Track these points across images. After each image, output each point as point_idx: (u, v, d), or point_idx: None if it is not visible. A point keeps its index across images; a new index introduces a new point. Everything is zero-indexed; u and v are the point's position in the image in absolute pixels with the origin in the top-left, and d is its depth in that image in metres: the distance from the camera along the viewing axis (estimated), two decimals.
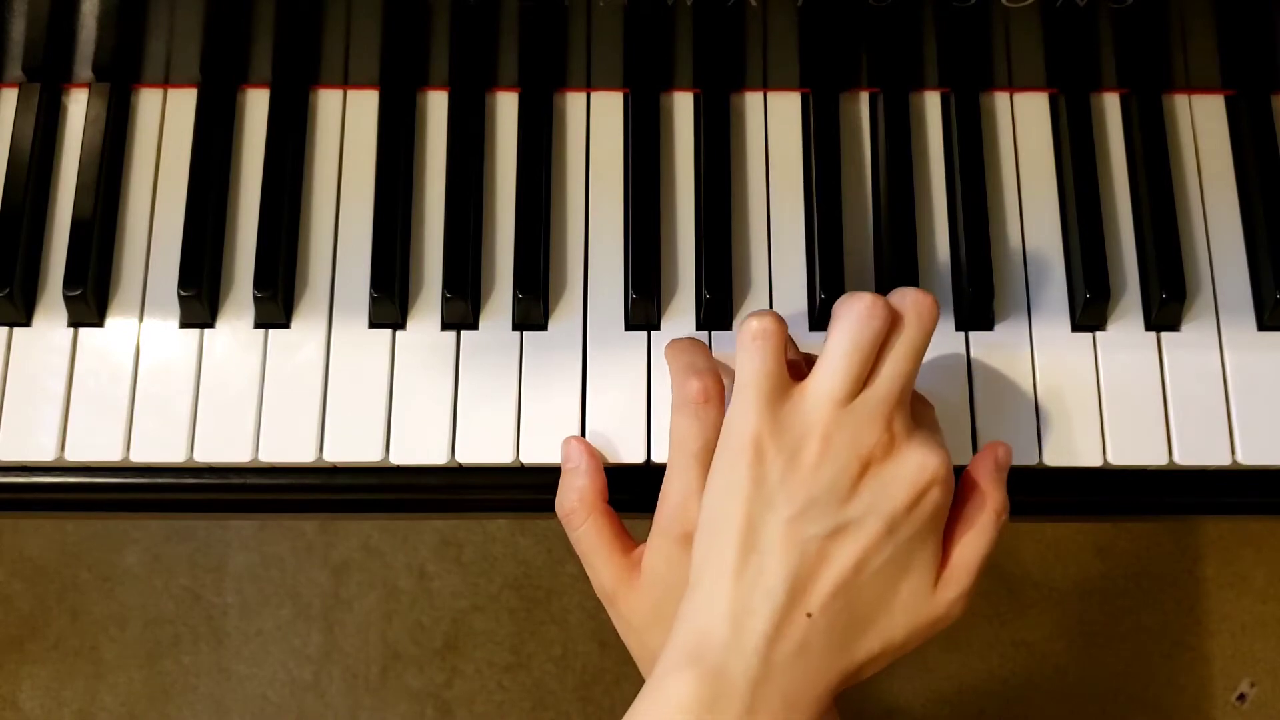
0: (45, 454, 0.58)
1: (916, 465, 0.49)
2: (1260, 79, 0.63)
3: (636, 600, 0.55)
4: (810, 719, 0.47)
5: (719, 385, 0.54)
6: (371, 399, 0.58)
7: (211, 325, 0.60)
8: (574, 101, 0.64)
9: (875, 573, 0.49)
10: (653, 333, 0.60)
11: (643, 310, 0.59)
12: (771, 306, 0.60)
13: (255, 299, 0.59)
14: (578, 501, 0.56)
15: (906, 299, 0.51)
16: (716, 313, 0.59)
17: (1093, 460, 0.58)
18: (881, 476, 0.49)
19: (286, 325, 0.60)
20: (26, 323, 0.60)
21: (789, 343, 0.53)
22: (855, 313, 0.50)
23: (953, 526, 0.52)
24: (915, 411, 0.53)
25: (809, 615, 0.48)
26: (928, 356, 0.60)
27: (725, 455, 0.50)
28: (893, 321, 0.51)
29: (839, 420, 0.49)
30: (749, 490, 0.49)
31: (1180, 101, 0.64)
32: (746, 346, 0.51)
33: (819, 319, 0.60)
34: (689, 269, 0.61)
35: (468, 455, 0.58)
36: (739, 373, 0.51)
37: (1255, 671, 1.29)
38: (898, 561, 0.49)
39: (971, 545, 0.52)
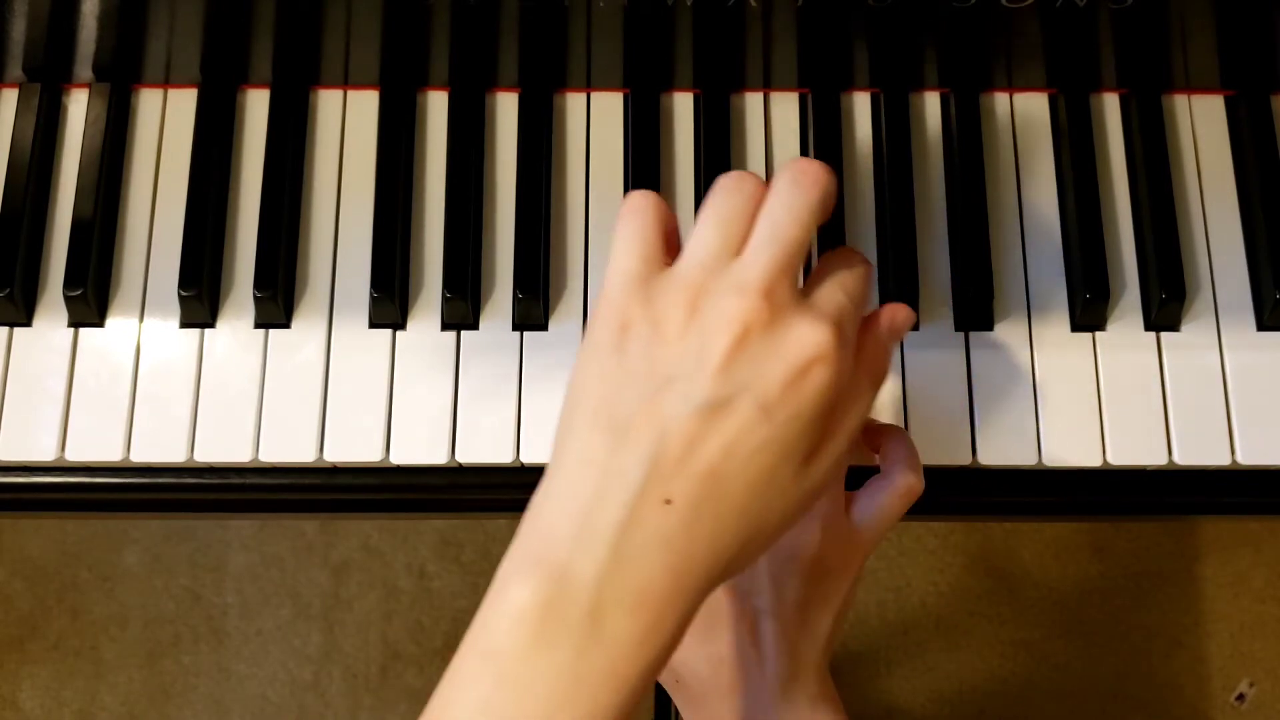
0: (46, 454, 0.58)
1: (796, 340, 0.43)
2: (1260, 79, 0.63)
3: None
4: (674, 617, 0.42)
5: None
6: (371, 399, 0.58)
7: (212, 325, 0.60)
8: (574, 101, 0.64)
9: (747, 459, 0.42)
10: None
11: None
12: None
13: (255, 299, 0.59)
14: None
15: (790, 164, 0.46)
16: None
17: (1093, 460, 0.58)
18: (756, 351, 0.43)
19: (287, 325, 0.60)
20: (27, 323, 0.60)
21: (675, 230, 0.49)
22: (721, 183, 0.46)
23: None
24: (866, 351, 0.48)
25: (668, 502, 0.41)
26: (928, 357, 0.60)
27: (591, 332, 0.45)
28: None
29: (706, 286, 0.44)
30: (609, 365, 0.44)
31: (1180, 102, 0.64)
32: (619, 220, 0.47)
33: None
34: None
35: (468, 455, 0.58)
36: (613, 242, 0.47)
37: (1254, 672, 1.29)
38: (773, 447, 0.43)
39: (849, 411, 0.46)
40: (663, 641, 0.41)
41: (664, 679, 0.55)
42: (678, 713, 0.55)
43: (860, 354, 0.47)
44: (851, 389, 0.46)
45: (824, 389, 0.43)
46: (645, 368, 0.43)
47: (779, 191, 0.46)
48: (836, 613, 0.54)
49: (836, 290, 0.46)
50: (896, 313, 0.49)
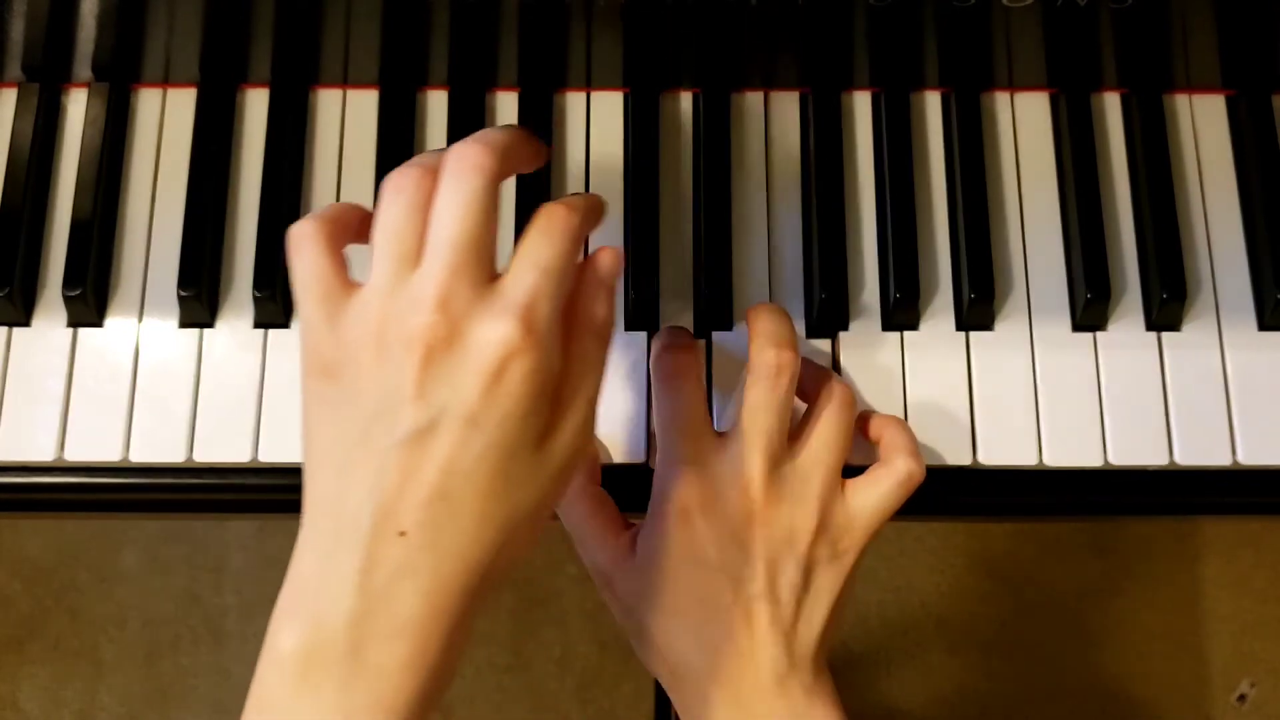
0: (45, 454, 0.58)
1: (480, 346, 0.42)
2: (1260, 79, 0.63)
3: (632, 581, 0.54)
4: (438, 639, 0.42)
5: (694, 359, 0.54)
6: None
7: (211, 325, 0.60)
8: (574, 101, 0.63)
9: (469, 472, 0.42)
10: (653, 333, 0.60)
11: (643, 310, 0.59)
12: None
13: (255, 299, 0.59)
14: (574, 485, 0.56)
15: (448, 153, 0.45)
16: (716, 312, 0.59)
17: (1093, 460, 0.58)
18: (444, 366, 0.42)
19: (287, 325, 0.60)
20: (26, 323, 0.60)
21: (355, 225, 0.48)
22: (383, 191, 0.45)
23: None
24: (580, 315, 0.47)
25: (402, 534, 0.42)
26: (928, 357, 0.60)
27: (301, 383, 0.46)
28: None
29: (386, 311, 0.43)
30: (323, 412, 0.44)
31: (1181, 101, 0.64)
32: (289, 259, 0.46)
33: (818, 319, 0.60)
34: (689, 269, 0.61)
35: None
36: (294, 290, 0.46)
37: (1255, 672, 1.29)
38: (494, 450, 0.43)
39: (579, 378, 0.46)
40: (431, 663, 0.42)
41: (655, 669, 0.54)
42: (677, 714, 0.55)
43: (574, 315, 0.46)
44: (575, 355, 0.46)
45: (526, 381, 0.43)
46: (350, 409, 0.44)
47: (440, 188, 0.45)
48: (834, 603, 0.53)
49: (526, 270, 0.44)
50: (601, 260, 0.48)
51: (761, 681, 0.52)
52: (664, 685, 0.55)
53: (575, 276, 0.47)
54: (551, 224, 0.46)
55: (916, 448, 0.55)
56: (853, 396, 0.55)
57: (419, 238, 0.44)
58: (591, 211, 0.49)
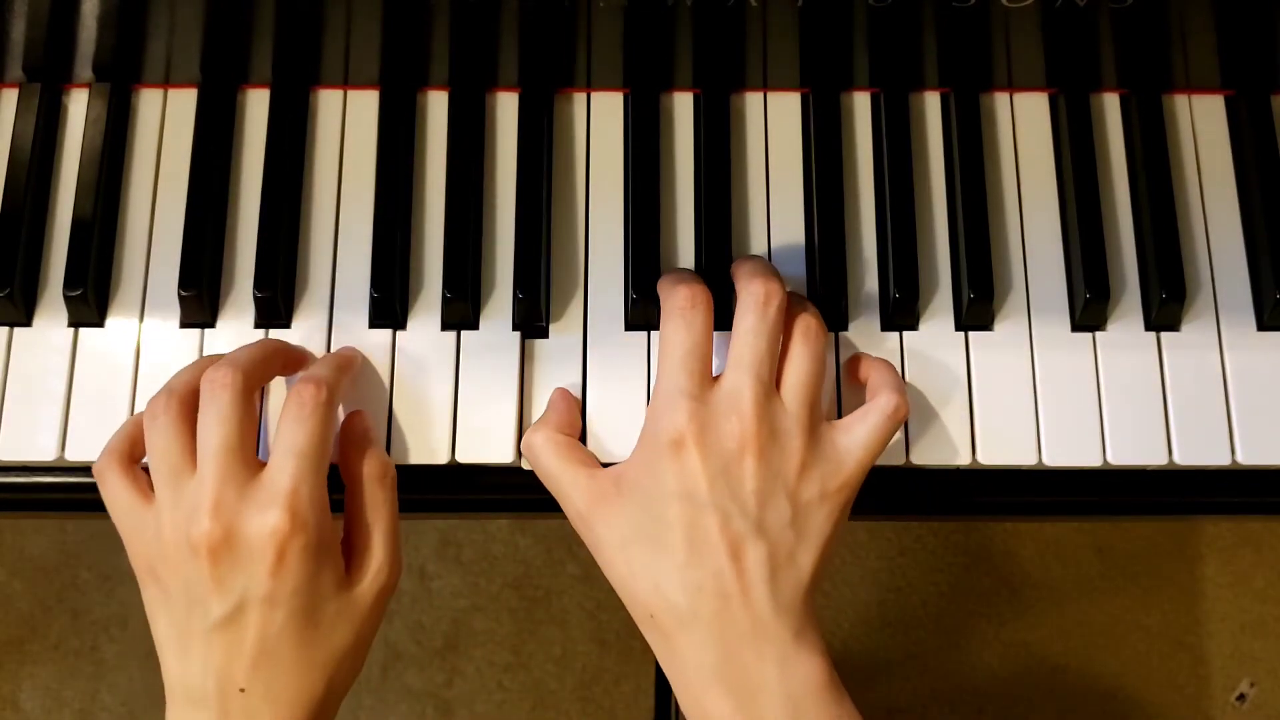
0: (46, 454, 0.58)
1: (255, 539, 0.51)
2: (1260, 79, 0.63)
3: (615, 515, 0.53)
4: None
5: (705, 293, 0.54)
6: (371, 399, 0.58)
7: (212, 325, 0.60)
8: (574, 101, 0.64)
9: (279, 635, 0.52)
10: (653, 333, 0.60)
11: (643, 310, 0.59)
12: None
13: (256, 299, 0.59)
14: (537, 434, 0.56)
15: (202, 381, 0.55)
16: (715, 312, 0.59)
17: (1093, 460, 0.58)
18: (231, 561, 0.51)
19: (287, 325, 0.60)
20: (27, 323, 0.60)
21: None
22: (145, 417, 0.55)
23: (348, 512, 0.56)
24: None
25: (242, 690, 0.51)
26: (928, 357, 0.60)
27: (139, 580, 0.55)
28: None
29: (173, 521, 0.52)
30: (155, 607, 0.54)
31: (1180, 101, 0.64)
32: (96, 476, 0.56)
33: None
34: (689, 268, 0.61)
35: (468, 455, 0.58)
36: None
37: (1255, 672, 1.29)
38: (298, 614, 0.52)
39: (367, 525, 0.55)
40: None
41: (636, 614, 0.53)
42: (678, 711, 0.55)
43: (349, 473, 0.56)
44: (360, 505, 0.55)
45: (304, 556, 0.51)
46: (170, 603, 0.53)
47: (200, 407, 0.53)
48: (822, 546, 0.53)
49: (283, 458, 0.52)
50: (352, 425, 0.57)
51: (747, 623, 0.51)
52: (642, 627, 0.53)
53: (339, 442, 0.56)
54: (301, 409, 0.53)
55: (901, 384, 0.56)
56: (820, 326, 0.55)
57: (186, 450, 0.53)
58: (339, 372, 0.56)
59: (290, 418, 0.53)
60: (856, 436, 0.54)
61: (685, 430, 0.52)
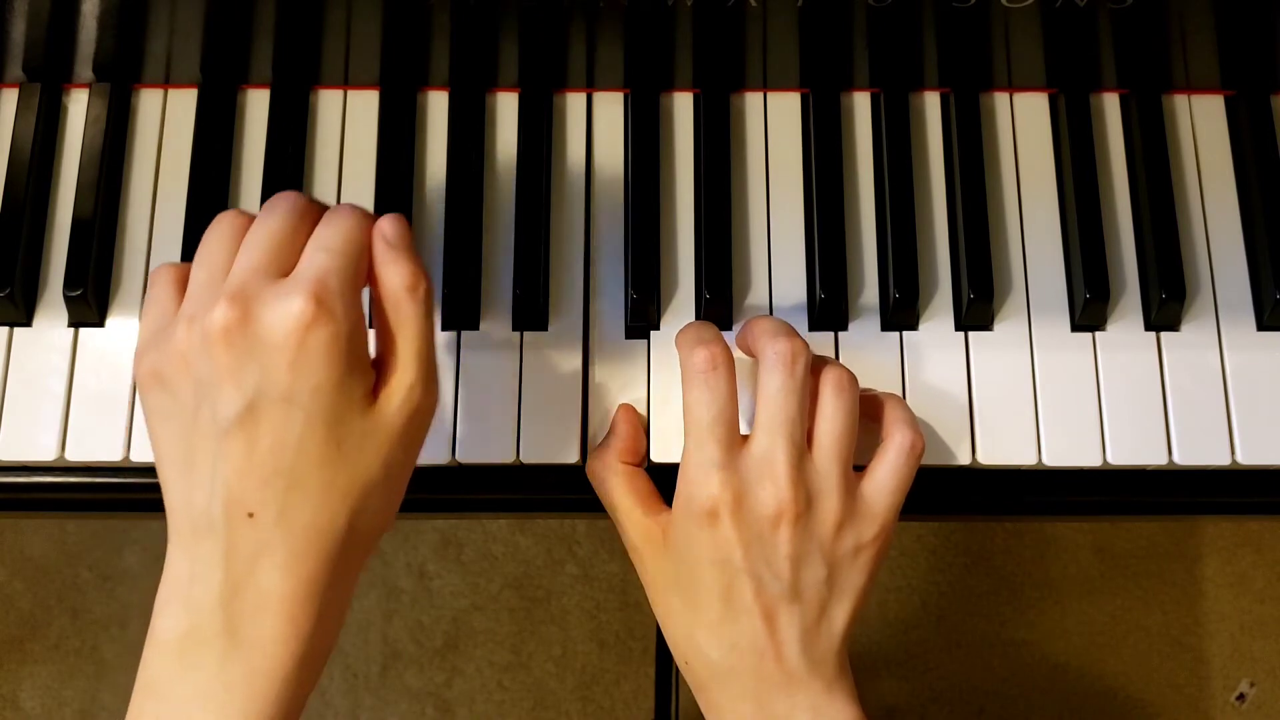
0: (46, 454, 0.58)
1: (274, 322, 0.45)
2: (1260, 79, 0.63)
3: (660, 561, 0.54)
4: (310, 609, 0.46)
5: (726, 353, 0.53)
6: None
7: None
8: (574, 102, 0.64)
9: (299, 445, 0.45)
10: (652, 333, 0.60)
11: (643, 310, 0.59)
12: (771, 305, 0.60)
13: None
14: (603, 460, 0.56)
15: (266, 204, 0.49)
16: (717, 312, 0.59)
17: (1093, 460, 0.58)
18: (245, 349, 0.45)
19: None
20: (27, 323, 0.60)
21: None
22: (208, 229, 0.50)
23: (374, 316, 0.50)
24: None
25: (251, 515, 0.45)
26: (928, 357, 0.60)
27: (140, 397, 0.50)
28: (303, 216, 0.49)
29: (194, 314, 0.47)
30: (157, 418, 0.48)
31: (1180, 102, 0.64)
32: (150, 279, 0.51)
33: (818, 318, 0.60)
34: (689, 269, 0.61)
35: (468, 455, 0.58)
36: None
37: (1255, 672, 1.29)
38: (318, 420, 0.45)
39: (402, 338, 0.48)
40: (304, 632, 0.46)
41: (675, 654, 0.55)
42: (678, 711, 0.55)
43: (379, 284, 0.49)
44: (390, 318, 0.48)
45: (328, 348, 0.45)
46: (176, 408, 0.47)
47: (256, 218, 0.49)
48: (857, 598, 0.53)
49: (313, 253, 0.47)
50: (382, 227, 0.50)
51: (780, 677, 0.52)
52: (681, 670, 0.55)
53: (375, 239, 0.49)
54: (335, 214, 0.49)
55: (913, 418, 0.55)
56: (852, 379, 0.54)
57: (229, 260, 0.48)
58: (350, 215, 0.51)
59: (324, 221, 0.49)
60: (882, 483, 0.54)
61: (719, 501, 0.52)
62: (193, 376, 0.46)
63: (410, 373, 0.48)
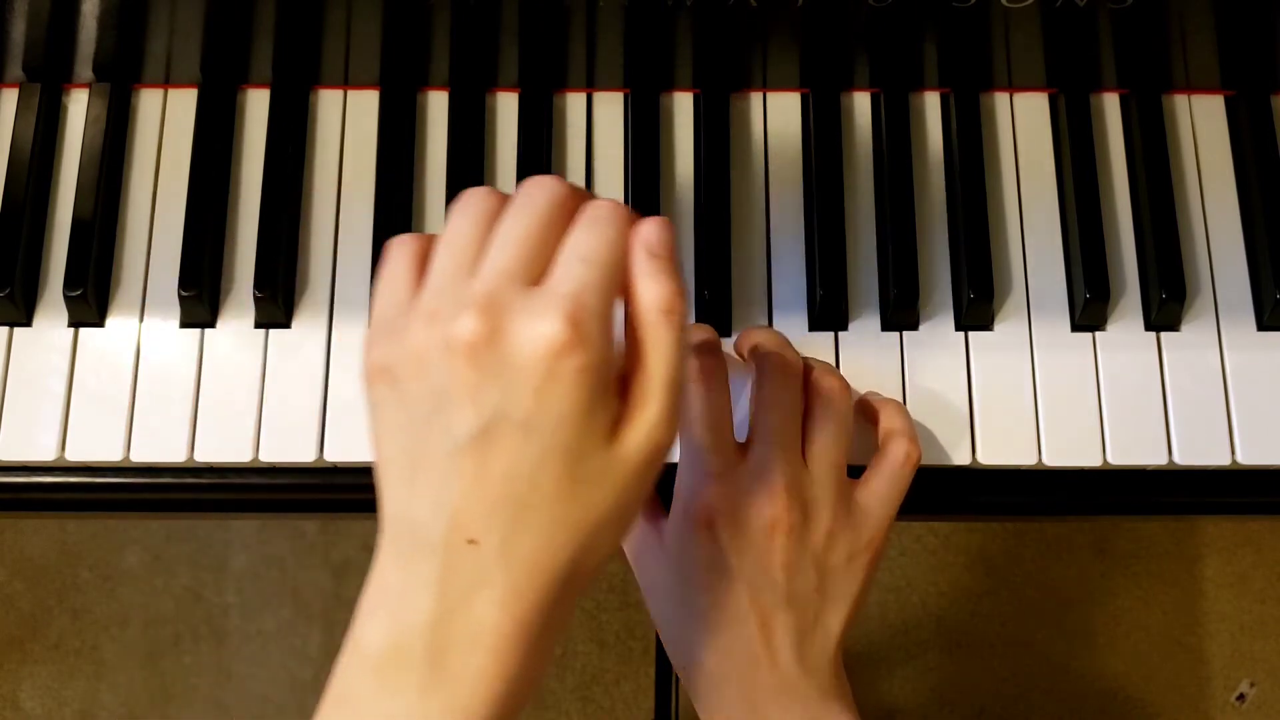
0: (46, 454, 0.58)
1: (525, 345, 0.40)
2: (1260, 79, 0.63)
3: (655, 567, 0.54)
4: (520, 647, 0.42)
5: (718, 362, 0.53)
6: None
7: (212, 325, 0.60)
8: (574, 102, 0.64)
9: (532, 476, 0.41)
10: None
11: None
12: (771, 306, 0.60)
13: (256, 299, 0.59)
14: None
15: (525, 181, 0.44)
16: (716, 312, 0.59)
17: (1093, 460, 0.58)
18: (490, 368, 0.41)
19: (287, 325, 0.60)
20: (27, 322, 0.60)
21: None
22: (456, 203, 0.45)
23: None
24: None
25: (473, 543, 0.41)
26: (928, 357, 0.60)
27: (364, 386, 0.45)
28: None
29: (437, 312, 0.42)
30: (383, 417, 0.44)
31: (1180, 102, 0.64)
32: (386, 250, 0.46)
33: (818, 318, 0.60)
34: (689, 268, 0.61)
35: None
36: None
37: (1255, 672, 1.29)
38: (556, 452, 0.41)
39: (649, 367, 0.43)
40: (511, 674, 0.42)
41: (671, 657, 0.55)
42: (678, 711, 0.55)
43: (634, 300, 0.44)
44: (642, 341, 0.43)
45: (579, 378, 0.41)
46: (406, 412, 0.43)
47: (512, 207, 0.44)
48: (851, 607, 0.54)
49: (569, 263, 0.42)
50: (645, 233, 0.44)
51: (774, 683, 0.52)
52: (678, 673, 0.55)
53: (635, 250, 0.44)
54: (597, 214, 0.44)
55: (911, 426, 0.55)
56: (844, 388, 0.55)
57: (479, 248, 0.43)
58: (614, 215, 0.46)
59: (583, 223, 0.44)
60: (877, 493, 0.54)
61: (715, 511, 0.52)
62: (429, 382, 0.42)
63: (656, 406, 0.43)
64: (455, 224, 0.44)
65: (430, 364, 0.42)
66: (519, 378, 0.41)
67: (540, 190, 0.44)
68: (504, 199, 0.45)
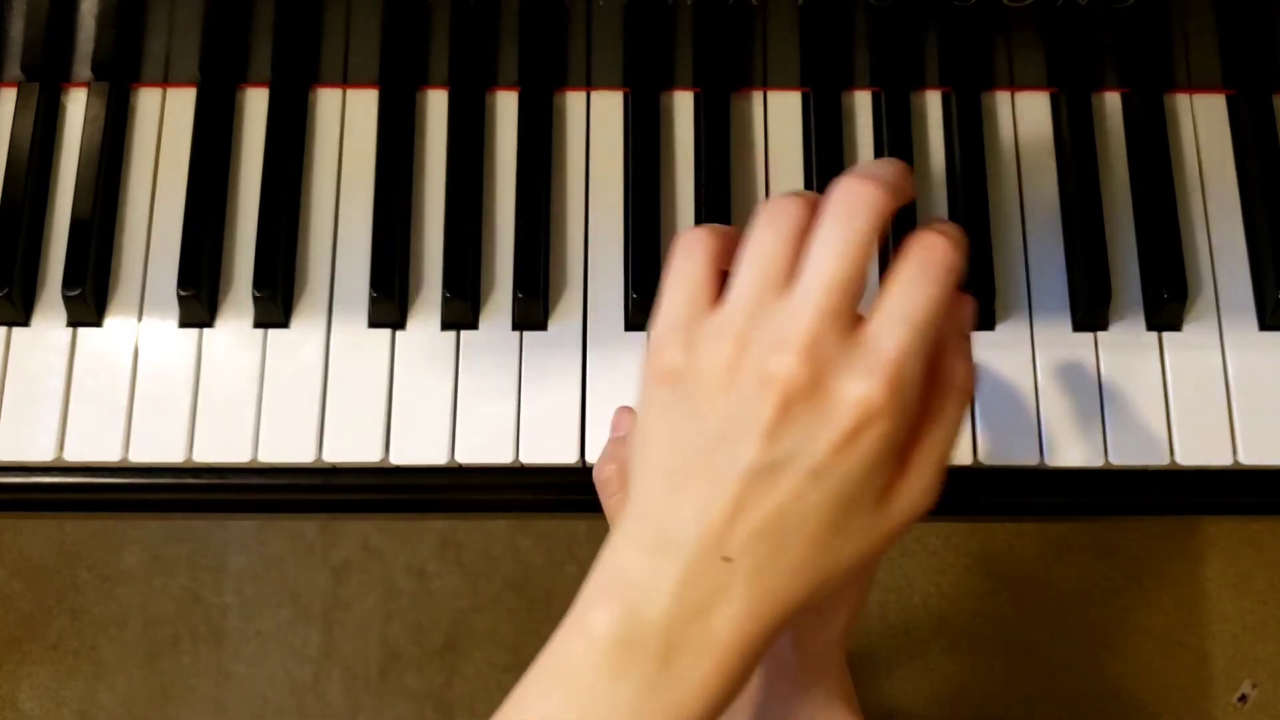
0: (44, 454, 0.58)
1: (841, 403, 0.41)
2: (1261, 79, 0.63)
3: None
4: (741, 664, 0.43)
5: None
6: (371, 399, 0.58)
7: (211, 325, 0.60)
8: (574, 101, 0.63)
9: (803, 517, 0.42)
10: None
11: (643, 310, 0.59)
12: None
13: (255, 299, 0.59)
14: (615, 471, 0.54)
15: (835, 187, 0.42)
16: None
17: (1094, 460, 0.58)
18: (801, 416, 0.41)
19: (286, 325, 0.60)
20: (25, 322, 0.60)
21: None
22: (762, 214, 0.43)
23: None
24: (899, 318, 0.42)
25: (727, 560, 0.42)
26: None
27: (644, 375, 0.45)
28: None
29: (747, 336, 0.42)
30: (661, 414, 0.44)
31: (1181, 101, 0.64)
32: (671, 253, 0.45)
33: None
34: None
35: (468, 455, 0.58)
36: (664, 284, 0.45)
37: (1257, 672, 1.28)
38: (832, 503, 0.42)
39: (932, 439, 0.44)
40: (728, 685, 0.43)
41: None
42: None
43: (936, 369, 0.44)
44: (932, 412, 0.44)
45: (879, 444, 0.41)
46: (693, 423, 0.43)
47: (824, 224, 0.42)
48: (851, 608, 0.53)
49: (896, 323, 0.42)
50: (966, 313, 0.45)
51: (780, 686, 0.52)
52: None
53: (950, 327, 0.44)
54: (930, 265, 0.42)
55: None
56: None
57: (790, 266, 0.42)
58: (946, 275, 0.43)
59: (915, 273, 0.42)
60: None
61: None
62: (726, 404, 0.42)
63: (927, 476, 0.44)
64: (763, 237, 0.43)
65: (734, 389, 0.42)
66: (824, 431, 0.41)
67: (857, 204, 0.42)
68: (813, 208, 0.43)
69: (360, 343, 0.59)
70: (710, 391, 0.42)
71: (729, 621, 0.42)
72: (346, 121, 0.63)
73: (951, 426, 0.44)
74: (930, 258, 0.42)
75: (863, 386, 0.41)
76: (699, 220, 0.61)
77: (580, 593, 0.44)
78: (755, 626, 0.42)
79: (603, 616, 0.42)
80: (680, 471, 0.43)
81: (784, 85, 0.63)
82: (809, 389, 0.41)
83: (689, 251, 0.45)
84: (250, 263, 0.60)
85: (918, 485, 0.44)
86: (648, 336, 0.45)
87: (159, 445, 0.58)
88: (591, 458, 0.58)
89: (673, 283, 0.45)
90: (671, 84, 0.63)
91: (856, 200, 0.42)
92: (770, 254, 0.43)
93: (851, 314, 0.42)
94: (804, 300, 0.41)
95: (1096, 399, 0.59)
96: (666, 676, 0.42)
